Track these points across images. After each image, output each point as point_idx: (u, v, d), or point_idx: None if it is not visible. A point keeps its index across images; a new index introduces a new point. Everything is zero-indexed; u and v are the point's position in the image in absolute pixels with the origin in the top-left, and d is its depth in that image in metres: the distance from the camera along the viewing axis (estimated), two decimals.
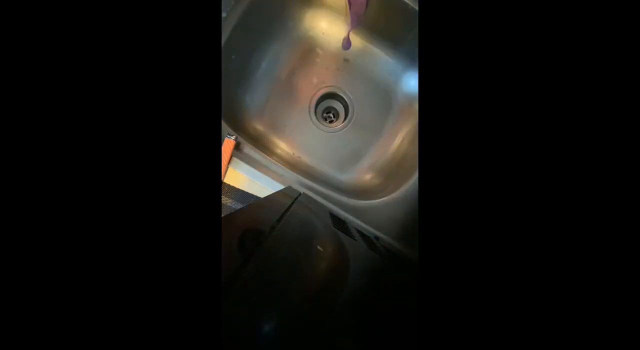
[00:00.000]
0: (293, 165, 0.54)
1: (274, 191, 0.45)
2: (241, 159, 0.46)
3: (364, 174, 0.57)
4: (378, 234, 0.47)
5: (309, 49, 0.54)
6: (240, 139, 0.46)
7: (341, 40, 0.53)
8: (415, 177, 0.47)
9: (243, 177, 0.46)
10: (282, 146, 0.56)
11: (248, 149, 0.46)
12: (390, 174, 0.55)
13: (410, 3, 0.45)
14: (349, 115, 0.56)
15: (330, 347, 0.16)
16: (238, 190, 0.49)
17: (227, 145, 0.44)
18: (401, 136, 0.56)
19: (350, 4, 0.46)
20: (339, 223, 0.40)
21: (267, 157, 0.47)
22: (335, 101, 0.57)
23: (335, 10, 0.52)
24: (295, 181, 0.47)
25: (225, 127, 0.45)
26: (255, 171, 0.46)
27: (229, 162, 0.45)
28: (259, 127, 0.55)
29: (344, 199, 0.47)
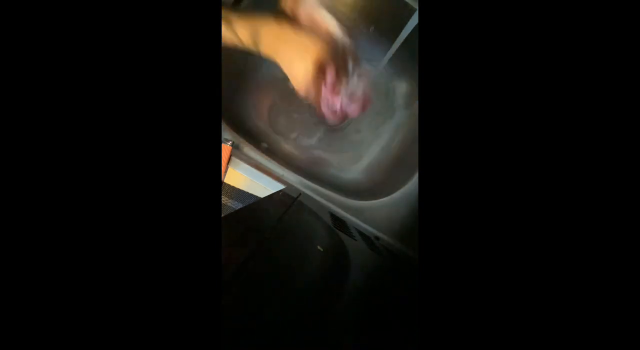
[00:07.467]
0: (293, 165, 0.54)
1: (274, 191, 0.45)
2: (241, 159, 0.45)
3: (364, 174, 0.57)
4: (378, 234, 0.47)
5: None
6: (241, 139, 0.46)
7: None
8: (415, 177, 0.47)
9: (243, 177, 0.46)
10: (283, 146, 0.56)
11: (248, 149, 0.46)
12: (390, 174, 0.55)
13: (410, 2, 0.45)
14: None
15: (331, 346, 0.16)
16: (238, 190, 0.48)
17: (224, 150, 0.44)
18: (401, 136, 0.56)
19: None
20: (339, 223, 0.40)
21: (267, 157, 0.47)
22: None
23: (334, 10, 0.52)
24: (295, 181, 0.47)
25: (225, 127, 0.45)
26: (255, 171, 0.46)
27: (227, 165, 0.44)
28: (259, 126, 0.55)
29: (344, 199, 0.47)
